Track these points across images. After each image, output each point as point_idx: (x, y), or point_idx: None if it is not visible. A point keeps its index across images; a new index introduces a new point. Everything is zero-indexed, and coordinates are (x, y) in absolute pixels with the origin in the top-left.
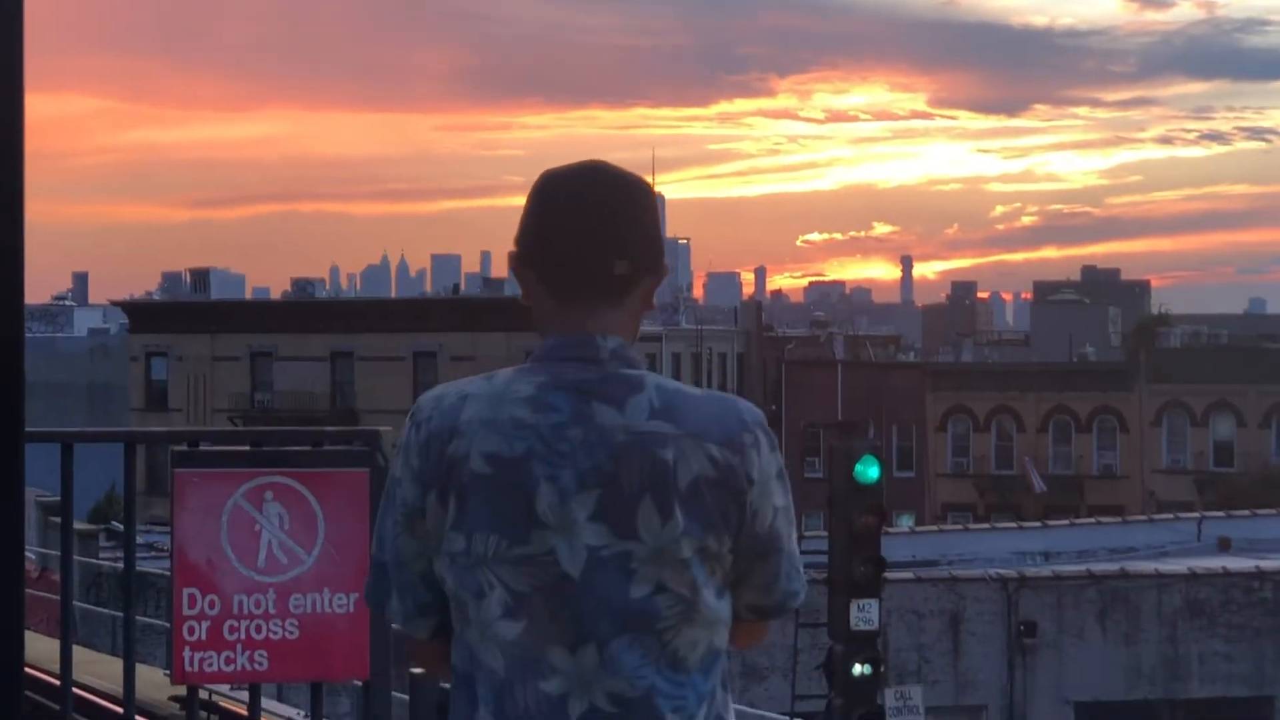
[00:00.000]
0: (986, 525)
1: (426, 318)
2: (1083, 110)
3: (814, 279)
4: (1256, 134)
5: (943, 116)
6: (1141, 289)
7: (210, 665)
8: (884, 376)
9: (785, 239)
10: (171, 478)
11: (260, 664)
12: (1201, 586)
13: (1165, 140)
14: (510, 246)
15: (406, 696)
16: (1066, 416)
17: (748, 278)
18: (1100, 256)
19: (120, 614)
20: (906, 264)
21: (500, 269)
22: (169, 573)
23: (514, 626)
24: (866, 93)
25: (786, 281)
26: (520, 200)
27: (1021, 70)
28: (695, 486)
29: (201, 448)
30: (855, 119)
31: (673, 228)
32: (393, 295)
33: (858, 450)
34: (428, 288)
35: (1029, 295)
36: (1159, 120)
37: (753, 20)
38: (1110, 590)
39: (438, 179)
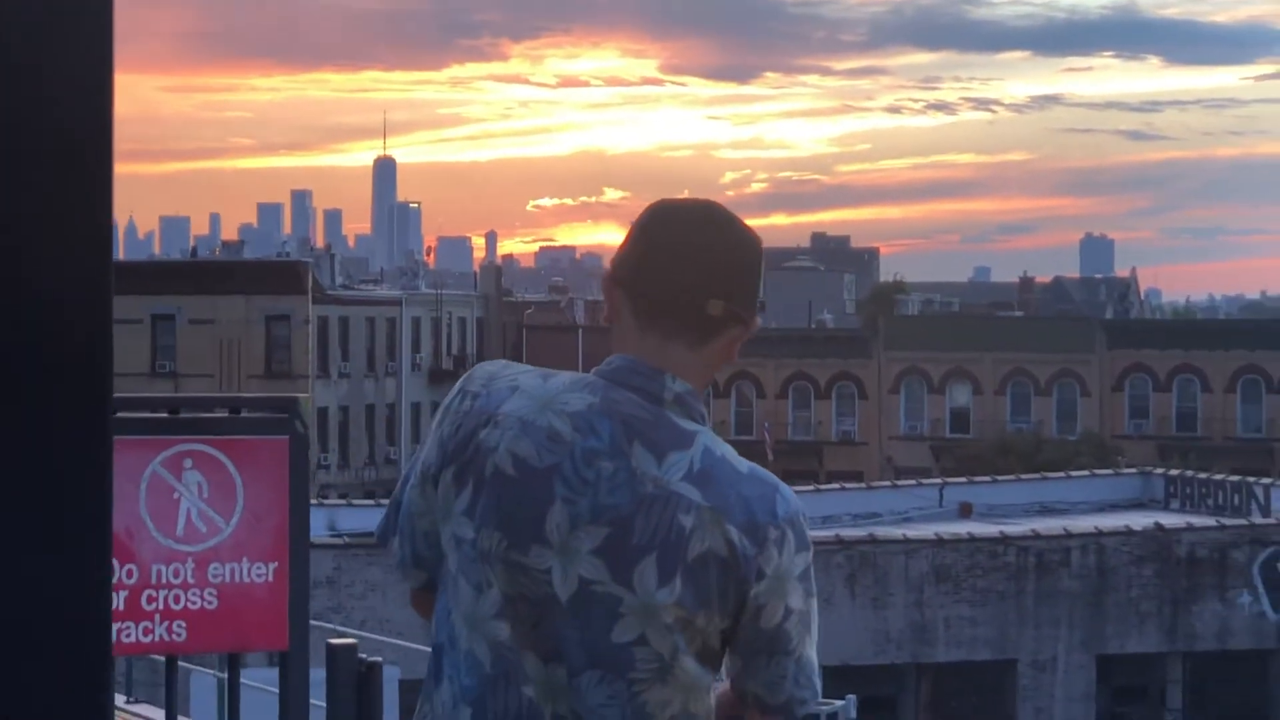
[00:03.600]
0: None
1: (165, 281)
2: (812, 79)
3: (545, 244)
4: (982, 104)
5: (674, 83)
6: (871, 256)
7: (129, 636)
8: None
9: (516, 204)
10: None
11: (179, 635)
12: (948, 552)
13: (893, 109)
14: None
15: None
16: (806, 383)
17: (478, 242)
18: (829, 224)
19: None
20: None
21: (231, 231)
22: None
23: (504, 628)
24: (599, 58)
25: (517, 246)
26: (250, 162)
27: (753, 38)
28: (703, 560)
29: (119, 415)
30: (587, 84)
31: (403, 192)
32: (121, 257)
33: None
34: (156, 249)
35: None
36: (887, 90)
37: None
38: (859, 555)
39: (165, 140)
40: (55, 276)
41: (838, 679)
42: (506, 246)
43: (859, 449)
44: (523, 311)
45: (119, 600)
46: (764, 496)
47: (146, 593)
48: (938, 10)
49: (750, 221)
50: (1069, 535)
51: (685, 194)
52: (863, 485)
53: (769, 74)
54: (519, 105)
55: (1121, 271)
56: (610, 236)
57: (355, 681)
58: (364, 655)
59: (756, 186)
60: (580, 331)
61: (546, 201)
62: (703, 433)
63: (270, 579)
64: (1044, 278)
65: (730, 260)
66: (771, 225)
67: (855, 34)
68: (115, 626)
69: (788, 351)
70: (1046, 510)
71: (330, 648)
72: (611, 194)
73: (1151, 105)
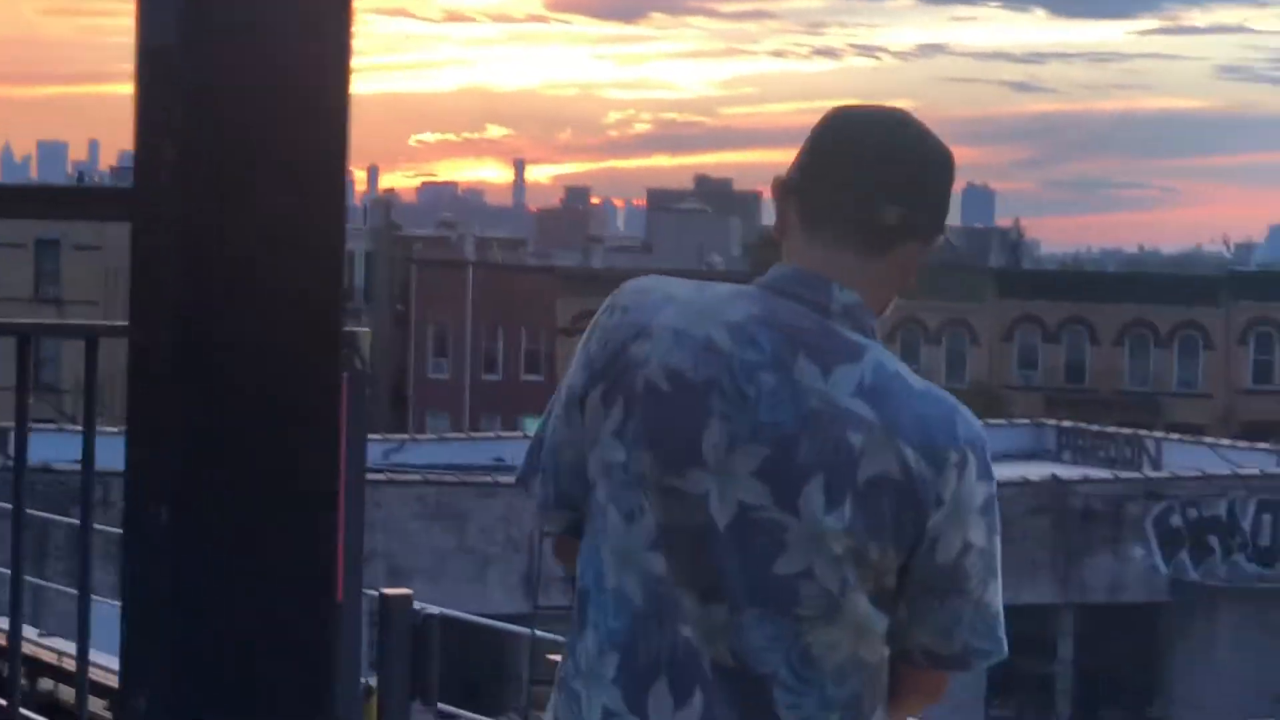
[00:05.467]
0: None
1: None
2: (698, 20)
3: (427, 179)
4: (867, 51)
5: (559, 21)
6: (754, 199)
7: None
8: (514, 279)
9: (398, 138)
10: None
11: None
12: None
13: (779, 54)
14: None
15: None
16: None
17: (360, 175)
18: (712, 167)
19: None
20: (519, 167)
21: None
22: None
23: (660, 560)
24: None
25: (399, 181)
26: (131, 88)
27: None
28: (875, 484)
29: None
30: (472, 20)
31: None
32: None
33: None
34: (33, 174)
35: (641, 202)
36: (773, 33)
37: None
38: None
39: (44, 64)
40: None
41: None
42: (388, 181)
43: None
44: (411, 246)
45: None
46: (943, 417)
47: None
48: None
49: (634, 162)
50: None
51: (614, 122)
52: None
53: (655, 14)
54: (403, 39)
55: (1003, 221)
56: (494, 173)
57: (410, 634)
58: (420, 606)
59: (640, 127)
60: (471, 268)
61: (429, 136)
62: (874, 346)
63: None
64: None
65: (910, 165)
66: (655, 166)
67: None
68: None
69: None
70: None
71: (384, 598)
72: (495, 131)
73: (1036, 57)
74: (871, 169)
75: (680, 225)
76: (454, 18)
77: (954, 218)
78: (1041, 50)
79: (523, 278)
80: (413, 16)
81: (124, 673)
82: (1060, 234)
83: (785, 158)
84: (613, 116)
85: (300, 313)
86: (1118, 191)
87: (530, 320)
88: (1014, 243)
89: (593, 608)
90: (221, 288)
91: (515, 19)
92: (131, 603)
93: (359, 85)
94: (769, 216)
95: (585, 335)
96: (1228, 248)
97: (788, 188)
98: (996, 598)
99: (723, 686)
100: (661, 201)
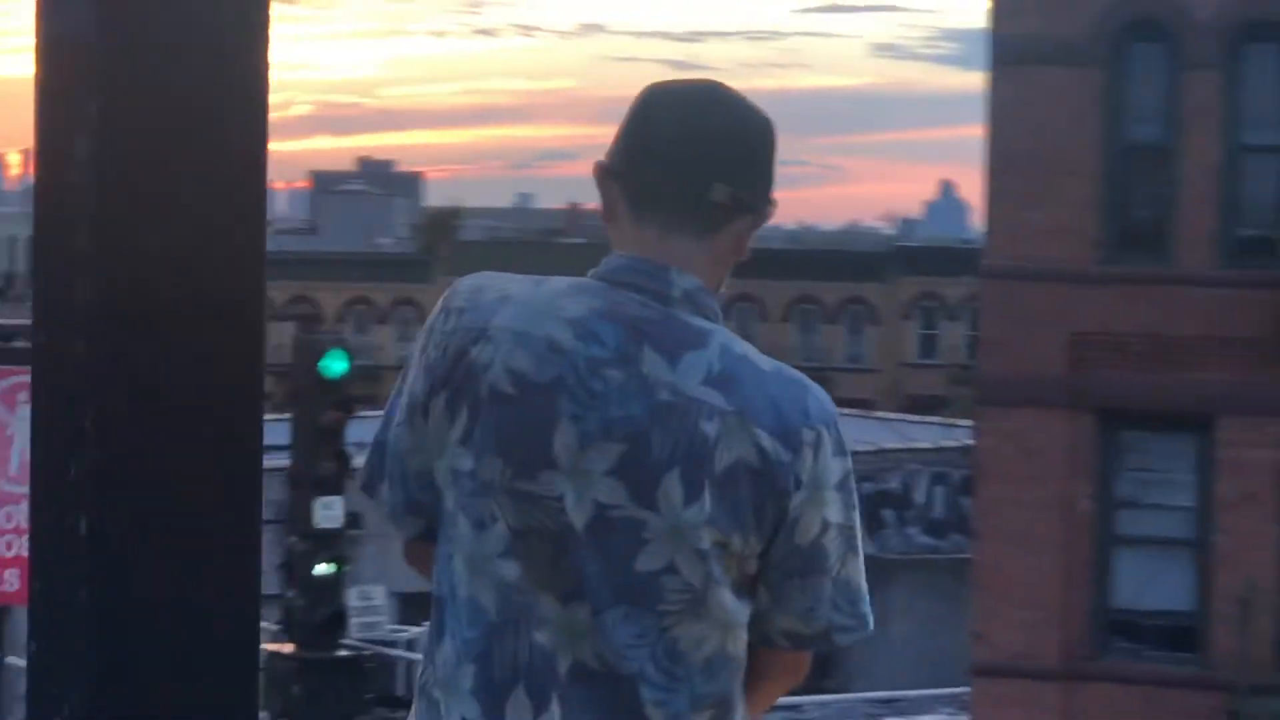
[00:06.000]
0: None
1: None
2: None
3: None
4: (526, 30)
5: None
6: (417, 180)
7: None
8: None
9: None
10: None
11: (11, 584)
12: None
13: (439, 33)
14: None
15: None
16: (363, 307)
17: (13, 160)
18: (375, 148)
19: None
20: None
21: None
22: None
23: (513, 567)
24: None
25: None
26: None
27: None
28: (733, 473)
29: None
30: None
31: None
32: None
33: (325, 344)
34: None
35: (305, 184)
36: (432, 13)
37: None
38: None
39: None
40: None
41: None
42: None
43: None
44: None
45: None
46: (794, 396)
47: None
48: None
49: (293, 145)
50: None
51: (273, 104)
52: None
53: None
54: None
55: None
56: None
57: None
58: None
59: (300, 109)
60: None
61: None
62: (718, 330)
63: None
64: (591, 204)
65: (735, 140)
66: (315, 149)
67: None
68: None
69: (348, 275)
70: None
71: None
72: None
73: (694, 35)
74: (695, 148)
75: (345, 206)
76: None
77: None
78: (699, 28)
79: None
80: None
81: (33, 689)
82: None
83: (447, 138)
84: (271, 98)
85: (223, 317)
86: (780, 169)
87: None
88: None
89: (449, 616)
90: (140, 290)
91: None
92: (43, 617)
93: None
94: (433, 197)
95: (421, 339)
96: (892, 224)
97: (610, 172)
98: (859, 573)
99: (583, 690)
100: (325, 183)
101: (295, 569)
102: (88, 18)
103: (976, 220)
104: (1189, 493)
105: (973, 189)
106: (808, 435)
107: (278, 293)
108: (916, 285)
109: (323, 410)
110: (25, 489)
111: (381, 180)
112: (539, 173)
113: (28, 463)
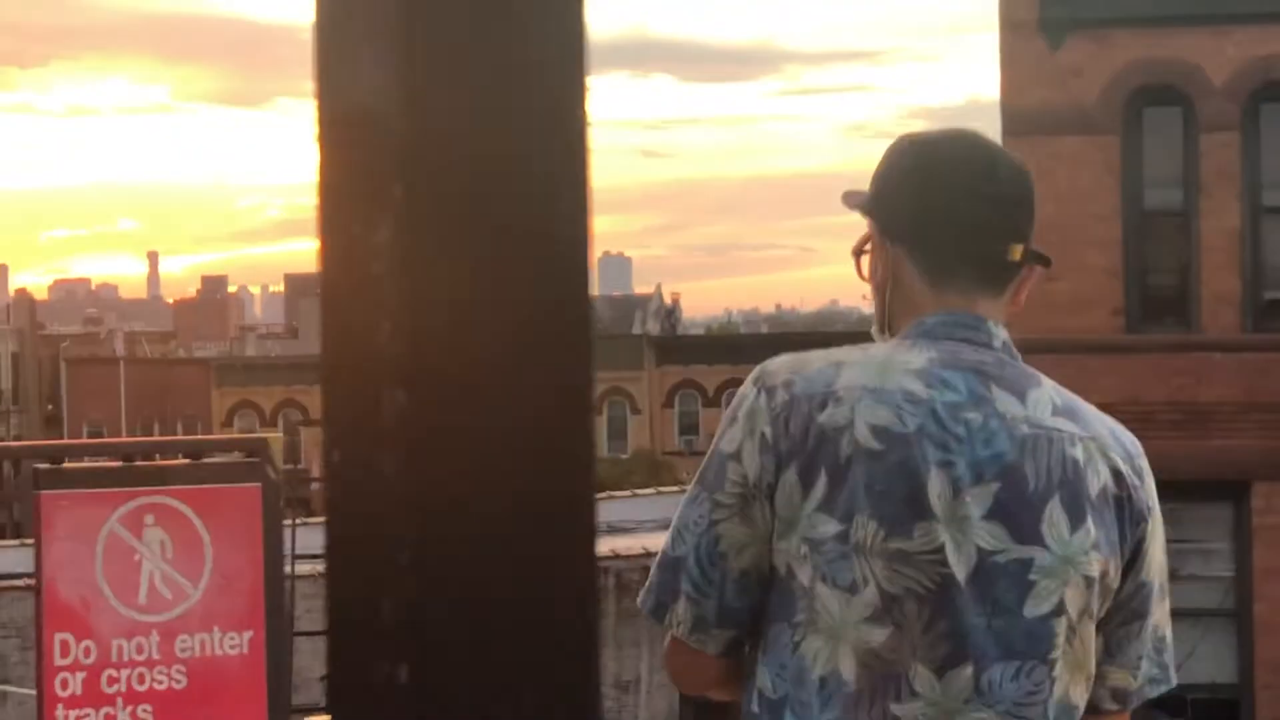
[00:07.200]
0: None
1: None
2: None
3: (59, 277)
4: None
5: (186, 111)
6: None
7: None
8: (167, 373)
9: (28, 236)
10: (35, 501)
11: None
12: None
13: None
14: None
15: None
16: None
17: None
18: None
19: None
20: (154, 259)
21: None
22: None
23: (880, 632)
24: (108, 87)
25: (31, 280)
26: None
27: (262, 65)
28: (1103, 497)
29: (67, 464)
30: (96, 113)
31: None
32: None
33: None
34: None
35: (280, 288)
36: None
37: None
38: None
39: None
40: None
41: None
42: (19, 280)
43: None
44: (58, 345)
45: (75, 682)
46: (1121, 430)
47: (107, 672)
48: None
49: (268, 248)
50: (648, 554)
51: (246, 209)
52: None
53: (281, 99)
54: (28, 135)
55: (641, 289)
56: (128, 266)
57: None
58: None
59: (273, 213)
60: (122, 364)
61: (60, 233)
62: (1040, 373)
63: (245, 650)
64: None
65: (1023, 198)
66: (290, 253)
67: None
68: (72, 714)
69: None
70: (614, 530)
71: None
72: (127, 223)
73: (664, 124)
74: (990, 211)
75: (316, 308)
76: (77, 112)
77: (593, 287)
78: (668, 116)
79: (175, 371)
80: (35, 112)
81: None
82: (701, 298)
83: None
84: (244, 203)
85: (548, 422)
86: (750, 253)
87: (186, 413)
88: (669, 310)
89: (789, 713)
90: (457, 398)
91: (141, 110)
92: None
93: None
94: None
95: (737, 430)
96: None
97: (891, 236)
98: (1167, 620)
99: None
100: (301, 286)
101: None
102: (388, 86)
103: None
104: (1227, 561)
105: None
106: (1145, 465)
107: (268, 399)
108: None
109: None
110: (157, 618)
111: None
112: None
113: (158, 591)
